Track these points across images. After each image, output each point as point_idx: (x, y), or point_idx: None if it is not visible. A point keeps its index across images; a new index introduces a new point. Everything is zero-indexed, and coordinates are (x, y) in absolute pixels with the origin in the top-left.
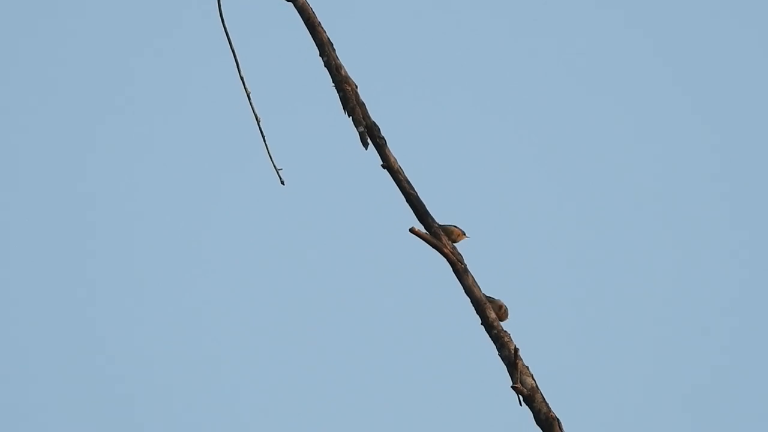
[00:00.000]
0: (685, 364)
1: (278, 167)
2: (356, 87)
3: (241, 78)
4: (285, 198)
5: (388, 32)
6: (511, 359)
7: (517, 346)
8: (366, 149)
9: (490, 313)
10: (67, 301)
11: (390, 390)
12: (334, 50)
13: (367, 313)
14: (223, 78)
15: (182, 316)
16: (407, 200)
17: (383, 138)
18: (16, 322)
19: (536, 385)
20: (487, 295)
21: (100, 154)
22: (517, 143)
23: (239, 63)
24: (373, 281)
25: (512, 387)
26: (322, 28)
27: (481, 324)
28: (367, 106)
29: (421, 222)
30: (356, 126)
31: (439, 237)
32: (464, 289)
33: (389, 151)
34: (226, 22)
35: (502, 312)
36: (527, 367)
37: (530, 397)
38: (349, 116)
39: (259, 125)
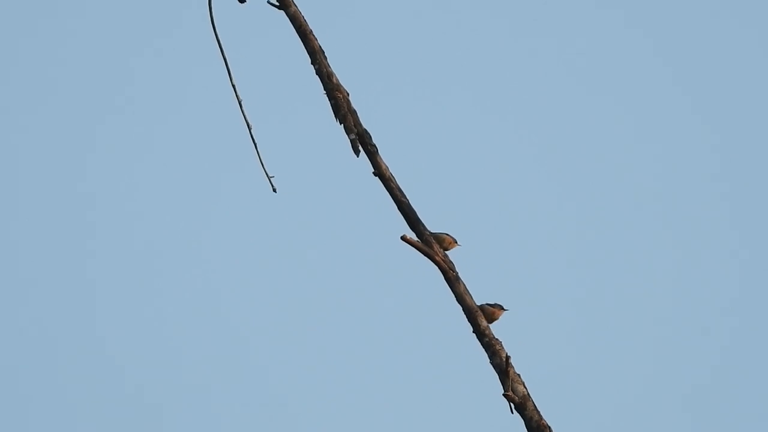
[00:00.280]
0: (684, 365)
1: (270, 174)
2: (348, 94)
3: (233, 86)
4: (277, 205)
5: (382, 39)
6: (502, 367)
7: (508, 354)
8: (358, 156)
9: (481, 321)
10: (66, 301)
11: (381, 398)
12: (325, 58)
13: (358, 320)
14: (215, 86)
15: (178, 318)
16: (399, 208)
17: (375, 145)
18: (16, 321)
19: (528, 393)
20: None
21: (95, 155)
22: (516, 144)
23: (231, 71)
24: (365, 289)
25: (504, 395)
26: (313, 35)
27: (473, 332)
28: (358, 114)
29: (412, 230)
30: (348, 133)
31: (431, 245)
32: (456, 296)
33: (381, 158)
34: (217, 30)
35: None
36: (519, 375)
37: (522, 404)
38: (340, 124)
39: (251, 132)
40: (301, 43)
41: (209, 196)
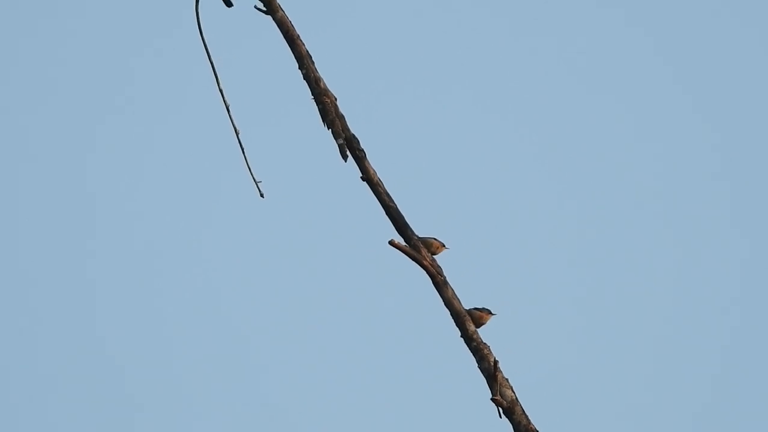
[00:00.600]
0: (680, 367)
1: (257, 180)
2: (335, 99)
3: (221, 90)
4: (264, 210)
5: (369, 43)
6: (490, 371)
7: (496, 359)
8: (345, 161)
9: (469, 326)
10: (64, 300)
11: (368, 403)
12: (313, 63)
13: (346, 325)
14: (202, 91)
15: (171, 319)
16: (387, 213)
17: (363, 150)
18: (15, 321)
19: (516, 398)
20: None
21: (89, 157)
22: (507, 146)
23: (218, 76)
24: (353, 294)
25: (492, 399)
26: (301, 40)
27: (461, 336)
28: (346, 119)
29: (400, 234)
30: (335, 138)
31: (419, 249)
32: (444, 301)
33: (369, 163)
34: (204, 35)
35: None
36: (507, 380)
37: (510, 409)
38: (328, 128)
39: (238, 137)
40: (289, 48)
41: (196, 202)
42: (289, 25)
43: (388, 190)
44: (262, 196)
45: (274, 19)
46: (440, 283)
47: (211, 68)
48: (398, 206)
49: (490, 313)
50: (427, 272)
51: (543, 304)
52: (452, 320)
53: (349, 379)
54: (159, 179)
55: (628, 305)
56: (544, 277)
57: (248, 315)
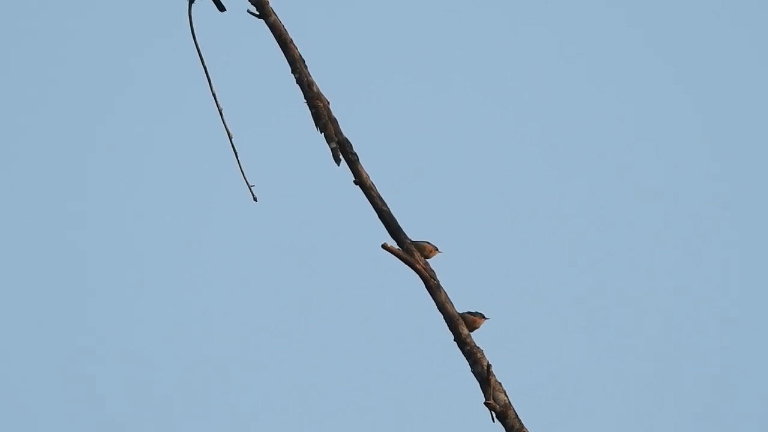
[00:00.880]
0: (677, 369)
1: (251, 184)
2: (328, 103)
3: (214, 94)
4: (257, 214)
5: (361, 47)
6: (483, 375)
7: (490, 363)
8: (338, 165)
9: (462, 330)
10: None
11: (360, 406)
12: (306, 67)
13: (339, 329)
14: (195, 95)
15: (164, 320)
16: (380, 216)
17: (355, 154)
18: (13, 322)
19: (509, 402)
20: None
21: (81, 160)
22: (508, 147)
23: (211, 80)
24: (346, 297)
25: (485, 403)
26: (294, 44)
27: (454, 340)
28: (339, 122)
29: (393, 238)
30: (328, 142)
31: (412, 253)
32: (437, 305)
33: (362, 167)
34: (197, 40)
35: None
36: (500, 384)
37: (503, 413)
38: (321, 133)
39: (231, 142)
40: (282, 52)
41: (189, 206)
42: (282, 29)
43: (381, 194)
44: (255, 200)
45: (266, 23)
46: (433, 287)
47: (204, 72)
48: (391, 210)
49: (483, 317)
50: (420, 276)
51: (537, 308)
52: (445, 324)
53: (343, 383)
54: (151, 183)
55: (626, 308)
56: (537, 280)
57: (241, 319)
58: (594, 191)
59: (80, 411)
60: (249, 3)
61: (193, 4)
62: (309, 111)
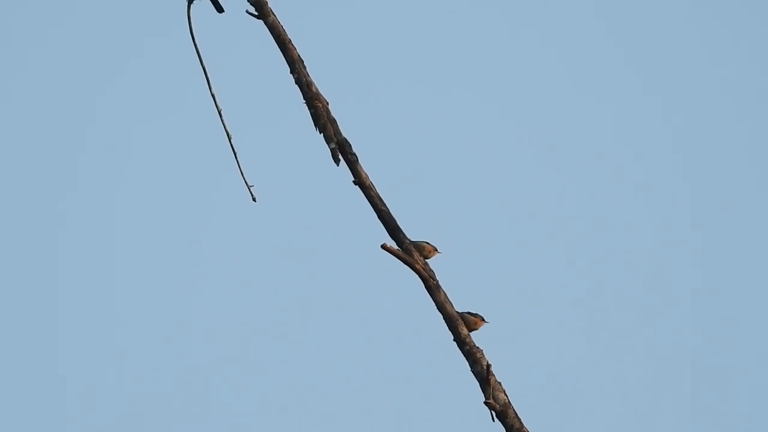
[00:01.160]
0: (673, 369)
1: (250, 184)
2: (327, 103)
3: (212, 95)
4: (256, 214)
5: (360, 47)
6: (483, 375)
7: (489, 362)
8: (338, 166)
9: (462, 329)
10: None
11: (360, 406)
12: (304, 67)
13: (338, 329)
14: (194, 95)
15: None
16: (379, 216)
17: (354, 154)
18: (12, 323)
19: (509, 401)
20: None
21: (70, 168)
22: (506, 147)
23: (210, 80)
24: (345, 298)
25: (485, 403)
26: (292, 45)
27: (454, 340)
28: (338, 123)
29: (392, 238)
30: (327, 143)
31: (411, 253)
32: (436, 305)
33: (361, 167)
34: (196, 40)
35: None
36: (500, 383)
37: (503, 412)
38: (320, 133)
39: (230, 142)
40: (280, 53)
41: (188, 206)
42: (281, 29)
43: (380, 194)
44: (254, 200)
45: (265, 23)
46: (432, 287)
47: (203, 73)
48: (390, 210)
49: (483, 320)
50: (420, 276)
51: (536, 308)
52: (445, 324)
53: (342, 383)
54: (150, 184)
55: (624, 308)
56: (537, 280)
57: (241, 318)
58: (592, 191)
59: (79, 411)
60: (248, 3)
61: (191, 5)
62: (308, 111)
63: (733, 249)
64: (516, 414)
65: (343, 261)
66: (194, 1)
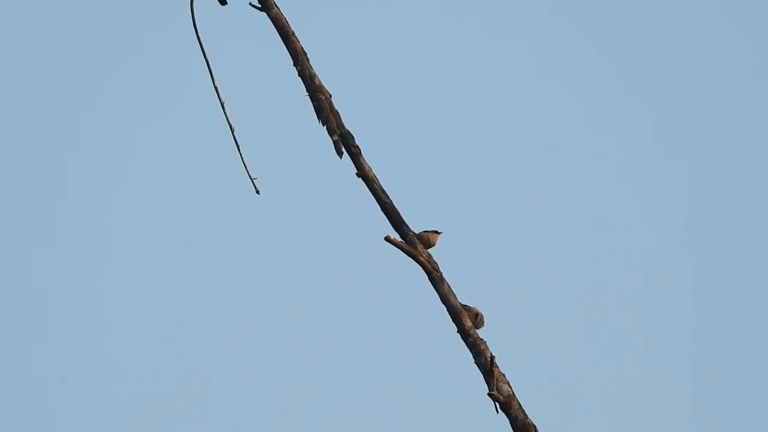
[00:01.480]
0: (673, 365)
1: (253, 176)
2: (330, 96)
3: (216, 88)
4: (260, 207)
5: (363, 40)
6: (487, 367)
7: (493, 354)
8: (341, 158)
9: (466, 321)
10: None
11: (364, 398)
12: (308, 59)
13: (342, 321)
14: (197, 88)
15: (162, 319)
16: (382, 209)
17: (358, 147)
18: (18, 319)
19: (513, 393)
20: (463, 303)
21: (75, 155)
22: (511, 138)
23: (213, 73)
24: (349, 290)
25: (489, 394)
26: (296, 37)
27: (458, 332)
28: (341, 115)
29: (396, 230)
30: (330, 135)
31: (415, 245)
32: (440, 297)
33: (364, 159)
34: (200, 33)
35: (478, 320)
36: (503, 375)
37: (507, 404)
38: (323, 125)
39: (233, 135)
40: (284, 45)
41: (192, 199)
42: (284, 21)
43: (384, 186)
44: (257, 192)
45: (268, 15)
46: (436, 279)
47: (206, 65)
48: (394, 202)
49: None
50: (423, 268)
51: (540, 299)
52: (449, 316)
53: (346, 375)
54: (154, 176)
55: (627, 300)
56: (541, 271)
57: (246, 309)
58: (595, 186)
59: (80, 411)
60: None
61: None
62: (311, 104)
63: (733, 249)
64: (520, 405)
65: (347, 253)
66: None
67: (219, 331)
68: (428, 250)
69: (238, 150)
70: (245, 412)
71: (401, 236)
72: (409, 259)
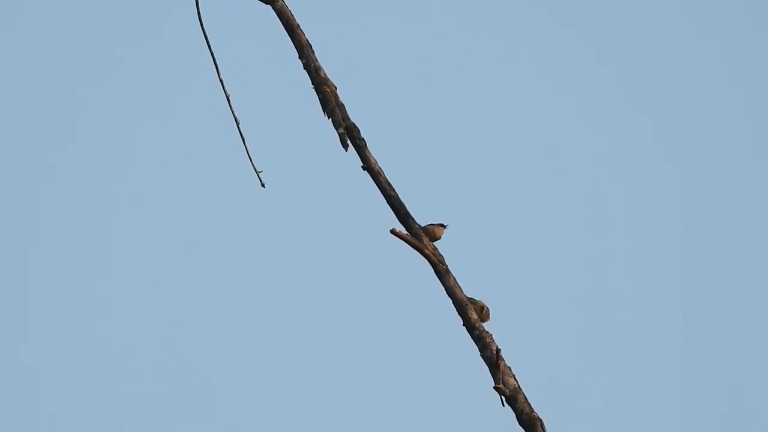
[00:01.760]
0: (675, 361)
1: (258, 169)
2: (335, 88)
3: (221, 80)
4: (265, 200)
5: (369, 32)
6: (493, 360)
7: (499, 347)
8: (346, 151)
9: (471, 314)
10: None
11: (370, 392)
12: (313, 52)
13: (347, 314)
14: (202, 81)
15: (163, 317)
16: (388, 202)
17: (363, 139)
18: (17, 320)
19: (518, 386)
20: (468, 296)
21: (77, 154)
22: (517, 131)
23: (218, 66)
24: (354, 283)
25: (494, 387)
26: (301, 30)
27: (463, 325)
28: (346, 108)
29: (402, 223)
30: (336, 127)
31: (420, 238)
32: (446, 290)
33: (369, 152)
34: (205, 26)
35: (484, 313)
36: (509, 368)
37: (512, 397)
38: (328, 118)
39: (239, 128)
40: (289, 38)
41: (197, 192)
42: (289, 14)
43: (389, 179)
44: (263, 185)
45: (273, 8)
46: (442, 272)
47: (212, 58)
48: (399, 195)
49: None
50: (429, 261)
51: (546, 293)
52: (454, 309)
53: (351, 369)
54: (159, 170)
55: (627, 298)
56: (546, 265)
57: (252, 301)
58: (594, 185)
59: (80, 410)
60: None
61: None
62: (316, 96)
63: (733, 249)
64: (526, 399)
65: (352, 246)
66: None
67: (220, 329)
68: (434, 243)
69: (244, 143)
70: (245, 412)
71: (407, 229)
72: (415, 251)
